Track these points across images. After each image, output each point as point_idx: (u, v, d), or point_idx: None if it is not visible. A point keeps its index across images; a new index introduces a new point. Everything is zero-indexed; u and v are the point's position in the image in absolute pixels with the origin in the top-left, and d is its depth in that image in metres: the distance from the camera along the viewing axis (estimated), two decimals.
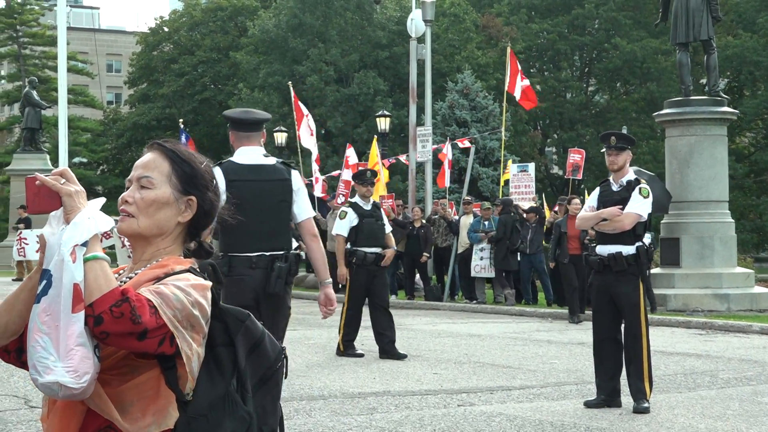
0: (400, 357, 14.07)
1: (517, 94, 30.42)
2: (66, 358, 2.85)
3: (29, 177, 3.11)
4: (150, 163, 3.29)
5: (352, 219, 14.58)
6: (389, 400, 10.77)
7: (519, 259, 24.89)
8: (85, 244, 2.94)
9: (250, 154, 8.09)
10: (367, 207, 14.68)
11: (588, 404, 10.60)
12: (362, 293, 14.70)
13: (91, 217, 2.99)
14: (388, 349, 14.27)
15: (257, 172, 8.01)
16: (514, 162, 35.02)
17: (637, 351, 10.46)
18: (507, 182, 30.00)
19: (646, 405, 10.35)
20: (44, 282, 2.90)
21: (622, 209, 10.41)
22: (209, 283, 3.08)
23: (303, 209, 8.13)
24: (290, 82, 34.05)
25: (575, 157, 28.27)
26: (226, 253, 7.89)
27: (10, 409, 9.80)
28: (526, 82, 31.27)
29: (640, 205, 10.42)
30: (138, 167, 3.31)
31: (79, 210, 3.01)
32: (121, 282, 3.08)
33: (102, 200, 3.14)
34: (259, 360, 3.15)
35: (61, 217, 3.04)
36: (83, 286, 2.87)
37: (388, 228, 14.96)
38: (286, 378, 3.26)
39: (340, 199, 28.48)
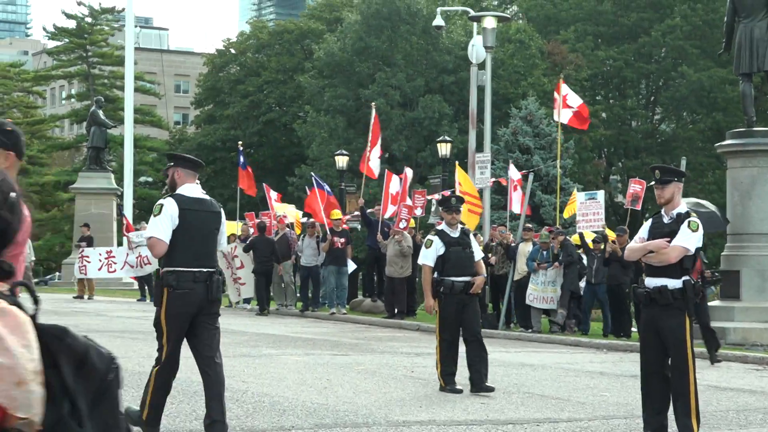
0: (488, 390, 13.53)
1: (564, 119, 30.45)
2: None
3: None
4: None
5: (438, 247, 14.07)
6: (434, 429, 10.70)
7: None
8: None
9: (194, 189, 9.75)
10: (454, 234, 14.15)
11: None
12: (453, 323, 14.01)
13: None
14: (476, 382, 13.69)
15: (200, 204, 9.67)
16: (578, 190, 34.81)
17: (684, 387, 10.30)
18: (563, 209, 29.82)
19: None
20: None
21: (670, 242, 10.28)
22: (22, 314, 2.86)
23: (225, 238, 10.15)
24: (374, 103, 33.95)
25: (636, 187, 27.99)
26: (173, 269, 9.41)
27: None
28: (577, 101, 31.13)
29: (687, 239, 10.27)
30: None
31: None
32: None
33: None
34: (89, 375, 2.90)
35: None
36: None
37: (478, 255, 14.44)
38: (120, 388, 2.98)
39: (402, 224, 28.42)
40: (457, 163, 31.22)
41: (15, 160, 5.34)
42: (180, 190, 9.73)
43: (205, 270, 9.47)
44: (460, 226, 14.41)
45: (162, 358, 9.47)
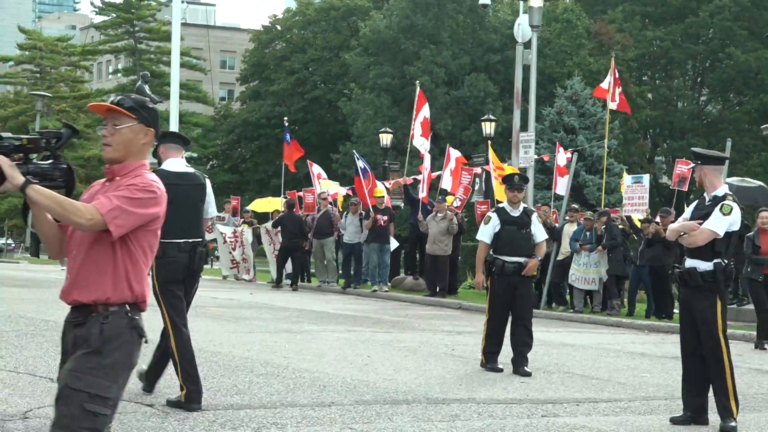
0: (525, 374, 13.32)
1: (612, 104, 30.24)
2: None
3: None
4: None
5: (495, 225, 13.87)
6: (473, 407, 10.71)
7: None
8: None
9: (178, 163, 10.14)
10: (515, 213, 13.91)
11: (674, 420, 10.43)
12: (502, 305, 13.85)
13: None
14: (516, 363, 13.57)
15: (183, 177, 10.07)
16: (627, 173, 34.62)
17: (720, 369, 10.27)
18: (611, 192, 29.74)
19: (733, 424, 10.13)
20: None
21: (701, 224, 10.26)
22: None
23: (213, 207, 10.49)
24: (418, 81, 33.95)
25: (682, 168, 27.86)
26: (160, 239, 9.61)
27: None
28: (618, 90, 30.91)
29: (717, 222, 10.23)
30: None
31: None
32: None
33: None
34: None
35: None
36: None
37: (540, 237, 14.01)
38: None
39: (457, 203, 28.48)
40: (489, 142, 31.16)
41: (153, 137, 5.67)
42: (164, 165, 10.13)
43: (190, 240, 9.98)
44: (522, 205, 14.12)
45: (168, 327, 9.88)
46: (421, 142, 32.57)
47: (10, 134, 5.24)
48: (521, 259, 13.77)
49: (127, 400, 9.45)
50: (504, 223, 13.85)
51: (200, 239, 10.13)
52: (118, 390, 5.32)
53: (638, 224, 25.09)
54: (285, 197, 34.46)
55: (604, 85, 30.39)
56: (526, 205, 14.44)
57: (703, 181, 10.51)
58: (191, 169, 10.31)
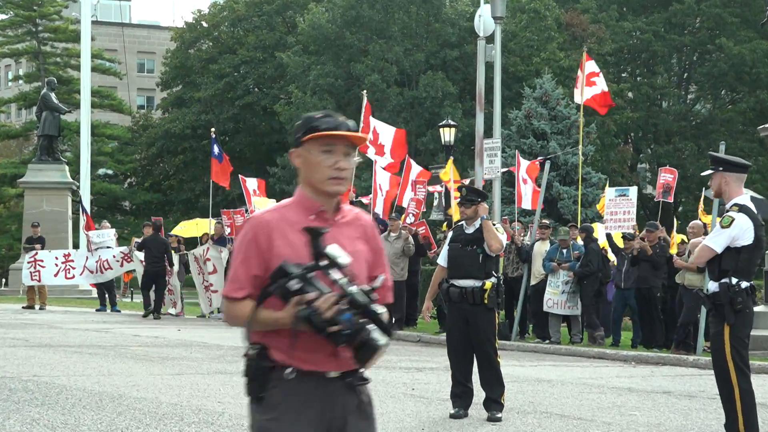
0: (494, 419, 13.06)
1: (584, 98, 30.08)
2: None
3: None
4: None
5: (447, 244, 13.87)
6: None
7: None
8: None
9: None
10: (470, 230, 13.67)
11: None
12: (457, 337, 13.65)
13: None
14: (486, 406, 13.36)
15: None
16: (609, 184, 34.78)
17: (729, 400, 10.31)
18: (588, 205, 29.89)
19: None
20: None
21: None
22: None
23: None
24: (365, 91, 33.76)
25: (666, 177, 28.01)
26: None
27: None
28: (601, 87, 30.85)
29: (714, 237, 10.31)
30: None
31: None
32: None
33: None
34: None
35: None
36: None
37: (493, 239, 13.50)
38: None
39: (410, 219, 28.49)
40: (451, 159, 31.23)
41: None
42: None
43: None
44: (480, 220, 13.75)
45: None
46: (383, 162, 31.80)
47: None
48: (469, 283, 13.48)
49: None
50: (451, 240, 13.78)
51: None
52: None
53: (620, 243, 25.15)
54: (218, 219, 34.31)
55: (582, 80, 30.31)
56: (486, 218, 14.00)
57: (722, 190, 10.50)
58: None
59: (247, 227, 5.26)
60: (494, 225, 13.85)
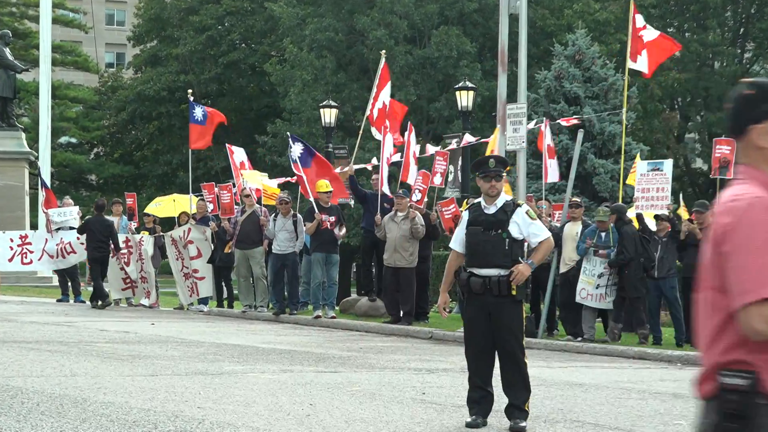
0: (517, 429, 13.08)
1: (642, 65, 30.00)
2: None
3: None
4: None
5: (463, 226, 13.64)
6: None
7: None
8: None
9: None
10: (490, 210, 13.45)
11: None
12: (477, 334, 13.48)
13: None
14: (508, 413, 13.32)
15: None
16: (642, 157, 34.70)
17: None
18: (625, 177, 29.77)
19: None
20: None
21: None
22: None
23: None
24: (383, 51, 33.55)
25: (723, 149, 27.78)
26: None
27: None
28: (653, 33, 30.64)
29: None
30: None
31: None
32: None
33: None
34: None
35: None
36: None
37: (537, 236, 13.41)
38: None
39: (416, 196, 28.35)
40: (498, 127, 31.15)
41: None
42: None
43: None
44: (504, 199, 13.63)
45: None
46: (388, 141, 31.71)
47: None
48: (492, 272, 13.29)
49: None
50: (469, 223, 13.57)
51: None
52: None
53: (653, 225, 25.05)
54: (200, 195, 34.07)
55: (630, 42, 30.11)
56: (510, 198, 14.03)
57: None
58: None
59: (758, 209, 4.77)
60: (526, 210, 13.64)
